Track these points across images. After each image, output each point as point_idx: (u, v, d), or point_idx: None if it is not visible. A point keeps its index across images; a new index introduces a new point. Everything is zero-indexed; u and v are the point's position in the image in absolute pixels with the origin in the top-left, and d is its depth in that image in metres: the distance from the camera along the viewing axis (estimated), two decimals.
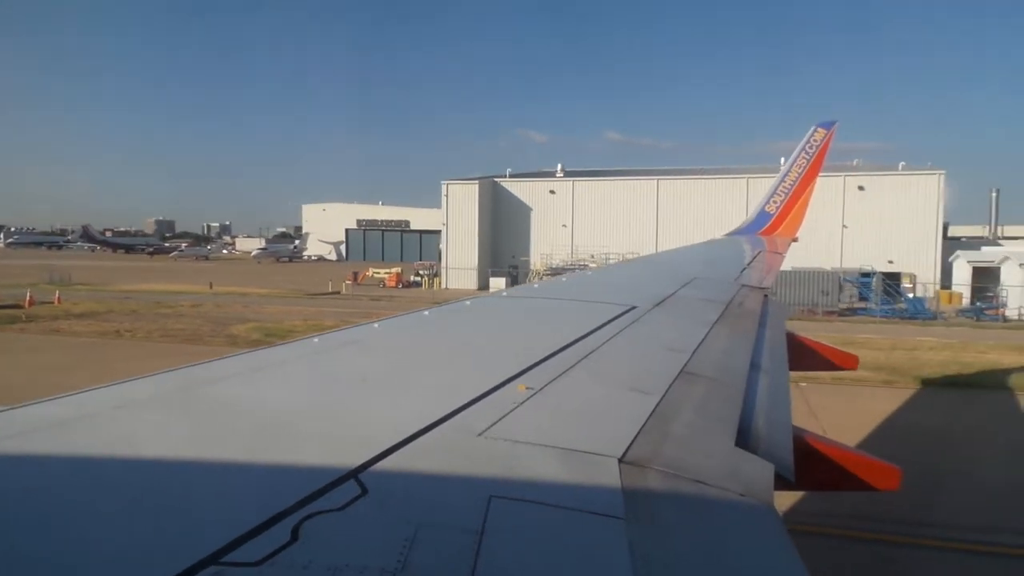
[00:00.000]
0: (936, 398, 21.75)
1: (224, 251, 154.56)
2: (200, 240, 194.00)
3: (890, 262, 54.98)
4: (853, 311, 46.82)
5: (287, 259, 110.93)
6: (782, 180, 14.31)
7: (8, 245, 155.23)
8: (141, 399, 2.38)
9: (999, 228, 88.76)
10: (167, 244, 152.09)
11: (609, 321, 4.11)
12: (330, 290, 58.16)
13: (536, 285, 6.35)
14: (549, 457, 1.99)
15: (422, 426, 2.09)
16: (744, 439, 2.51)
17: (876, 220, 57.98)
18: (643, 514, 1.72)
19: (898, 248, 56.62)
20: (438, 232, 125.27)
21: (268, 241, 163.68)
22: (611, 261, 54.39)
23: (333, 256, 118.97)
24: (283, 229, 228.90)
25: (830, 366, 6.14)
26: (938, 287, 53.58)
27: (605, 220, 63.21)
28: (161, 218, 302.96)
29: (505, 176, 71.42)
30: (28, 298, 42.98)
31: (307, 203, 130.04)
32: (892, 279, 50.14)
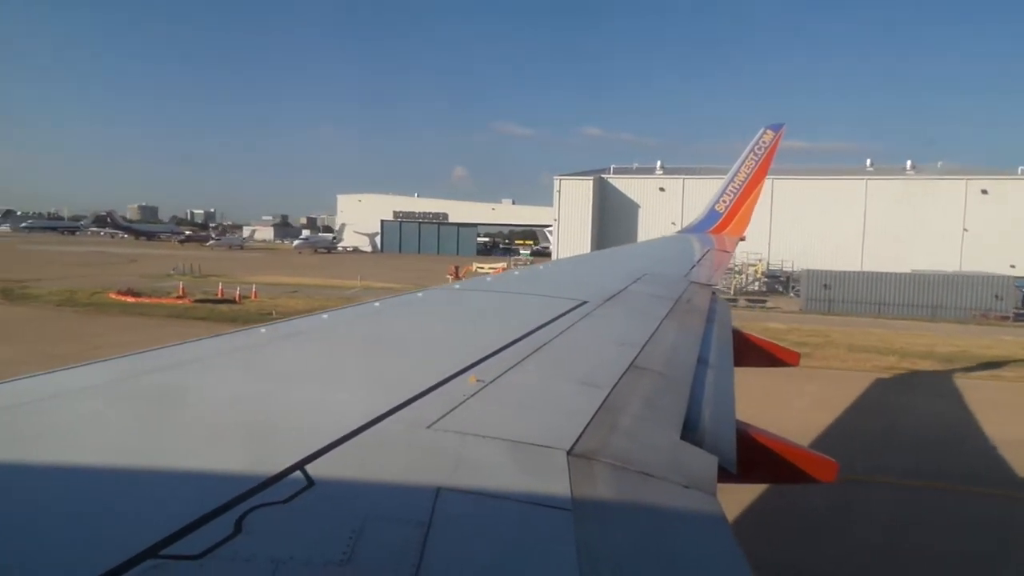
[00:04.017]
0: None
1: (262, 241, 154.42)
2: (204, 229, 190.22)
3: (1012, 266, 53.98)
4: (1022, 316, 45.51)
5: (325, 250, 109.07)
6: (731, 180, 14.63)
7: (23, 229, 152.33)
8: (81, 388, 2.30)
9: None
10: (189, 232, 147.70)
11: (561, 315, 4.13)
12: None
13: (489, 279, 6.34)
14: (498, 449, 1.99)
15: (371, 418, 2.07)
16: (689, 432, 2.56)
17: (997, 224, 57.92)
18: (590, 506, 1.73)
19: (1021, 252, 56.15)
20: (475, 225, 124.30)
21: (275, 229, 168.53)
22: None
23: (369, 248, 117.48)
24: (269, 218, 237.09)
25: (774, 362, 6.30)
26: None
27: None
28: (144, 204, 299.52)
29: (609, 172, 71.59)
30: (225, 292, 40.24)
31: (341, 193, 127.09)
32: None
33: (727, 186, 14.67)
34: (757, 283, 57.06)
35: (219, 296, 39.67)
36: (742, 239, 14.17)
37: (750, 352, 5.93)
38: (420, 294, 5.12)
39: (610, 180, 70.28)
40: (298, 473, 1.67)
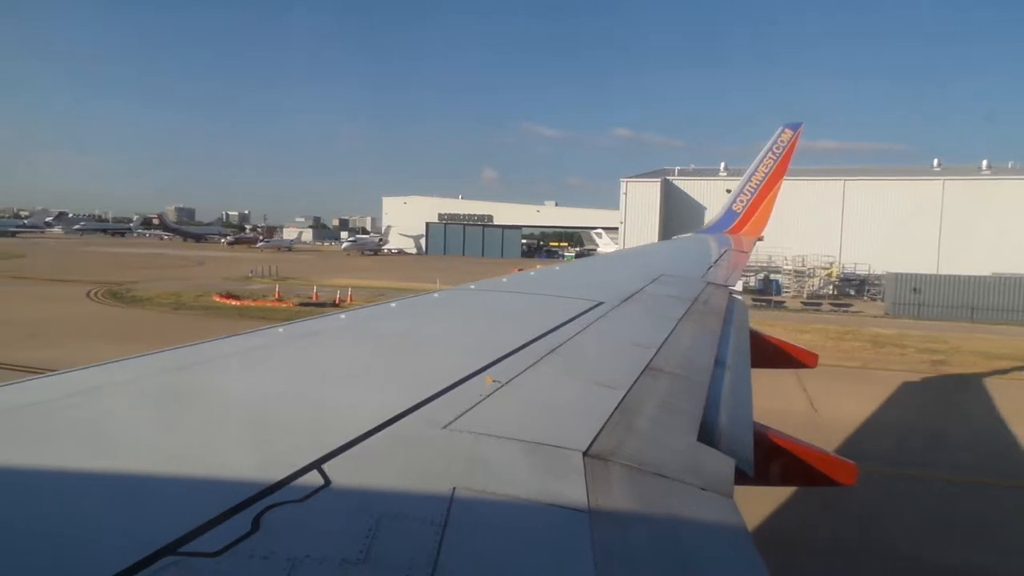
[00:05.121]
0: None
1: (304, 242, 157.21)
2: (241, 230, 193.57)
3: None
4: None
5: (372, 252, 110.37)
6: (748, 180, 14.50)
7: (75, 231, 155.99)
8: (101, 386, 2.33)
9: None
10: (236, 235, 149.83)
11: (577, 316, 4.12)
12: None
13: (505, 279, 6.35)
14: (514, 450, 1.99)
15: (387, 418, 2.08)
16: (706, 434, 2.55)
17: None
18: (606, 508, 1.73)
19: None
20: (519, 228, 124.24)
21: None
22: (788, 264, 54.32)
23: (413, 250, 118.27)
24: (302, 219, 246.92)
25: (793, 363, 6.25)
26: None
27: (787, 220, 56.37)
28: (181, 206, 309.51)
29: (674, 173, 71.21)
30: (318, 295, 40.76)
31: (387, 196, 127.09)
32: None
33: (744, 186, 14.54)
34: (831, 287, 55.91)
35: (314, 299, 39.94)
36: (760, 239, 14.05)
37: (769, 353, 5.88)
38: (437, 294, 5.13)
39: (675, 182, 69.62)
40: (315, 472, 1.68)
